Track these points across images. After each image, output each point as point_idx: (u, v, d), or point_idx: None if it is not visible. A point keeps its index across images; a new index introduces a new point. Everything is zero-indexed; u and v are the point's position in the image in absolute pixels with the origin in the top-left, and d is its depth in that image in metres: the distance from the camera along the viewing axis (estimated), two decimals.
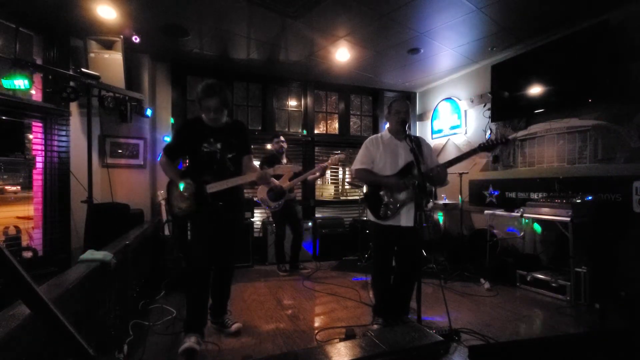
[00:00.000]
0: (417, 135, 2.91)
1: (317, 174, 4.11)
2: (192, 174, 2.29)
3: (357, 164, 2.56)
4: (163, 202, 3.95)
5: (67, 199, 3.56)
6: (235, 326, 2.48)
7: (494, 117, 4.32)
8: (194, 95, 2.87)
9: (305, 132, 5.32)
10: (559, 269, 3.43)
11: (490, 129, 4.42)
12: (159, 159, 2.33)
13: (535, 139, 3.96)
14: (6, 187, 3.33)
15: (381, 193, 2.45)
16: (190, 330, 2.18)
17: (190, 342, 2.10)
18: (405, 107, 2.46)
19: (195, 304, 2.25)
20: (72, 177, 3.55)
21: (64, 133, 3.56)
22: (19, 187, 3.43)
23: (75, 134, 3.66)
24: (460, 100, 4.91)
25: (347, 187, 5.67)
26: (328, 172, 5.19)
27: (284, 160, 4.19)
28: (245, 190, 4.70)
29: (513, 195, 4.08)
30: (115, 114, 3.73)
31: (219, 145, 2.32)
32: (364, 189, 2.67)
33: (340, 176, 5.89)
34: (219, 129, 2.33)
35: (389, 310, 2.51)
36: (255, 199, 4.32)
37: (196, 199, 2.26)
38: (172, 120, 4.49)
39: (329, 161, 4.01)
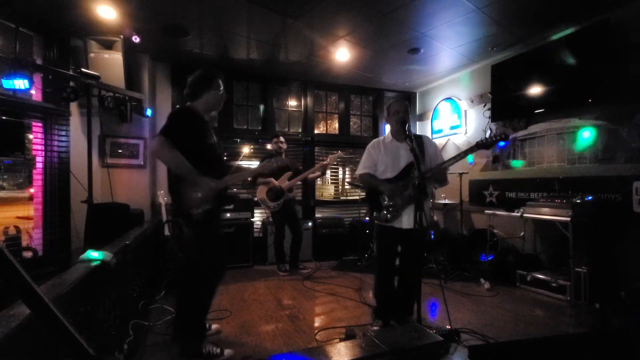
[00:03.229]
0: (420, 134, 2.88)
1: (317, 173, 4.13)
2: (201, 171, 2.04)
3: (360, 168, 2.59)
4: (163, 203, 3.95)
5: (67, 199, 3.56)
6: (214, 327, 2.51)
7: (494, 117, 4.32)
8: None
9: (300, 130, 5.33)
10: (559, 269, 3.43)
11: (490, 129, 4.42)
12: (155, 146, 2.00)
13: (535, 139, 3.96)
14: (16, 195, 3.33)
15: (381, 197, 2.46)
16: (204, 339, 2.16)
17: (216, 349, 2.10)
18: (403, 107, 2.45)
19: (206, 310, 2.22)
20: (72, 177, 3.55)
21: (64, 133, 3.56)
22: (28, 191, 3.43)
23: (75, 134, 3.66)
24: (460, 100, 4.91)
25: (347, 187, 5.67)
26: (328, 172, 5.19)
27: None
28: (245, 190, 4.75)
29: (513, 195, 4.08)
30: (115, 114, 3.73)
31: (215, 140, 2.19)
32: (365, 192, 2.68)
33: (340, 176, 5.90)
34: (208, 122, 2.21)
35: (391, 312, 2.51)
36: (255, 199, 4.33)
37: (217, 199, 2.09)
38: None
39: (328, 160, 4.03)
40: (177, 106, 2.16)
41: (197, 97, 2.15)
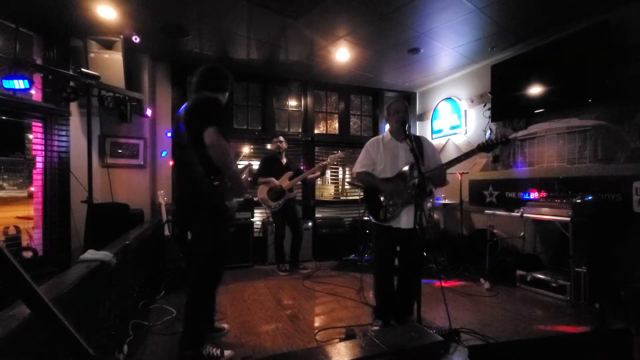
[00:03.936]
0: (419, 135, 2.87)
1: (317, 173, 4.13)
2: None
3: (358, 166, 2.56)
4: (163, 203, 3.96)
5: (67, 199, 3.56)
6: (226, 326, 2.52)
7: (494, 117, 4.32)
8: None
9: (300, 130, 5.32)
10: (559, 269, 3.43)
11: (490, 129, 4.42)
12: (214, 139, 1.80)
13: (535, 139, 3.96)
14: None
15: (380, 196, 2.45)
16: (204, 341, 2.12)
17: (216, 351, 2.08)
18: (403, 106, 2.45)
19: (211, 309, 2.23)
20: (72, 177, 3.56)
21: (64, 133, 3.56)
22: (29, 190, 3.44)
23: (75, 134, 3.66)
24: (460, 100, 4.91)
25: (347, 187, 5.67)
26: (328, 172, 5.19)
27: (284, 161, 4.19)
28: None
29: (513, 195, 4.08)
30: (115, 114, 3.73)
31: None
32: (363, 191, 2.67)
33: (340, 176, 5.89)
34: None
35: (391, 311, 2.51)
36: (255, 198, 4.33)
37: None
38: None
39: (328, 160, 4.03)
40: (206, 97, 2.06)
41: (214, 92, 2.15)
